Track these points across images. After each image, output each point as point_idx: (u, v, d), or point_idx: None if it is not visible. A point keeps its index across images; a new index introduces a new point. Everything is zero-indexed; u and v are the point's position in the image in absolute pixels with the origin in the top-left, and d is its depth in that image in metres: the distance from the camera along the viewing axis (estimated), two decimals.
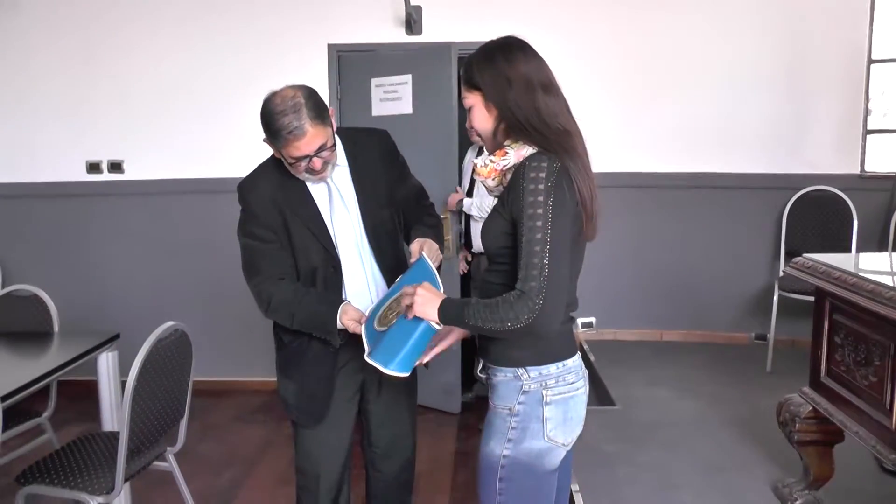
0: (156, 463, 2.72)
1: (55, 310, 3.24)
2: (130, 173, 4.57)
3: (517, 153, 1.63)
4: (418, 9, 4.45)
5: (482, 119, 1.68)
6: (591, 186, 1.60)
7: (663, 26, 4.46)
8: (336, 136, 2.09)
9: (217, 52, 4.53)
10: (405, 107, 4.21)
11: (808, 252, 4.16)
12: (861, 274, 2.22)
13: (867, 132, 4.45)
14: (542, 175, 1.54)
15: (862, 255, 3.58)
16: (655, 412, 3.60)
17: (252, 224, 2.11)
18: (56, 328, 3.22)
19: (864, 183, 4.41)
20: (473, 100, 1.68)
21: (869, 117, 4.46)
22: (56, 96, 4.54)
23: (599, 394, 3.87)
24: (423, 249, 2.04)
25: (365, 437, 2.37)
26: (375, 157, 2.19)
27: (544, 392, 1.65)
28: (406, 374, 1.70)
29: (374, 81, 4.29)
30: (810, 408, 2.51)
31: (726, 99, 4.49)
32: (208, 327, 4.24)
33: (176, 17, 4.51)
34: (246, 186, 2.14)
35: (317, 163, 1.98)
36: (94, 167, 4.56)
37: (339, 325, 2.01)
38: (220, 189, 4.55)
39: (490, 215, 1.68)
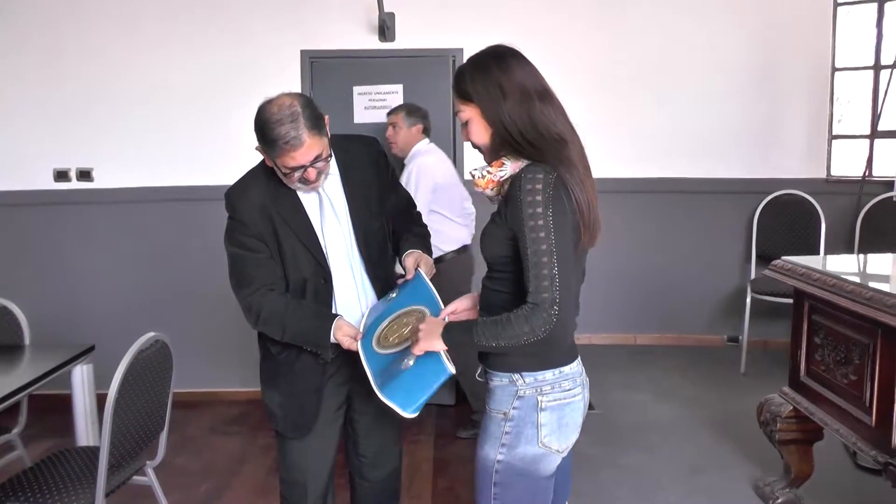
0: (135, 477, 2.67)
1: (26, 322, 3.16)
2: (100, 181, 4.47)
3: (513, 164, 1.62)
4: (391, 16, 4.44)
5: (480, 132, 1.65)
6: (588, 195, 1.59)
7: (639, 38, 4.53)
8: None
9: (188, 58, 4.47)
10: None
11: (778, 254, 4.27)
12: (841, 275, 2.27)
13: (832, 138, 4.57)
14: (539, 186, 1.54)
15: (836, 256, 3.67)
16: (635, 415, 3.64)
17: (240, 233, 2.04)
18: (27, 341, 3.13)
19: (830, 187, 4.53)
20: (470, 113, 1.65)
21: (834, 123, 4.58)
22: (21, 102, 4.43)
23: None
24: (420, 265, 2.01)
25: (351, 446, 2.34)
26: (366, 165, 2.15)
27: (539, 398, 1.65)
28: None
29: (357, 89, 4.30)
30: (791, 407, 2.55)
31: (699, 107, 4.58)
32: (181, 338, 4.15)
33: (147, 23, 4.44)
34: (234, 194, 2.07)
35: (311, 173, 1.94)
36: (62, 175, 4.44)
37: (331, 340, 1.99)
38: (192, 197, 4.51)
39: (489, 224, 1.67)
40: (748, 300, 4.25)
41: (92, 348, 3.02)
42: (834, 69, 4.52)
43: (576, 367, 1.71)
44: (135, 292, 4.56)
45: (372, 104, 4.30)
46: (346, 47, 4.44)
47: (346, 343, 1.96)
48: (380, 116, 4.25)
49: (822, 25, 4.48)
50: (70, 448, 2.76)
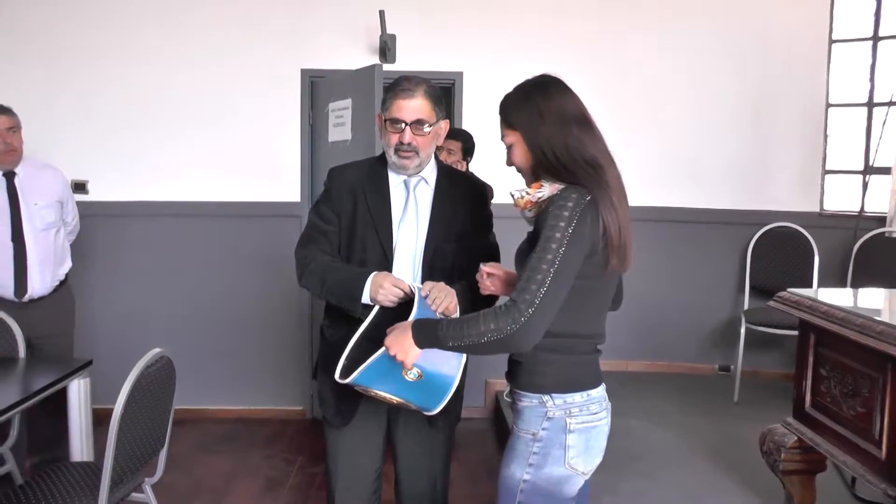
0: (132, 494, 2.62)
1: (21, 335, 3.10)
2: (95, 194, 4.43)
3: (551, 186, 1.68)
4: (393, 37, 4.46)
5: (522, 156, 1.73)
6: (620, 220, 1.64)
7: (636, 70, 4.59)
8: (436, 162, 2.25)
9: (187, 74, 4.46)
10: (347, 133, 4.11)
11: (771, 286, 4.32)
12: (849, 309, 2.29)
13: (825, 172, 4.64)
14: (570, 204, 1.60)
15: (842, 290, 3.72)
16: (629, 442, 3.63)
17: (325, 204, 2.22)
18: (21, 353, 3.07)
19: (824, 221, 4.59)
20: (513, 138, 1.74)
21: (827, 158, 4.66)
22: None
23: None
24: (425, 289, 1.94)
25: (396, 461, 2.36)
26: (463, 196, 2.24)
27: (568, 420, 1.69)
28: (461, 366, 1.82)
29: (330, 106, 4.26)
30: (795, 438, 2.56)
31: (696, 139, 4.64)
32: (170, 353, 4.14)
33: (146, 38, 4.43)
34: (336, 169, 2.28)
35: (407, 134, 2.08)
36: None
37: (366, 298, 2.00)
38: (187, 213, 4.49)
39: (524, 242, 1.73)
40: (742, 330, 4.28)
41: (90, 363, 2.97)
42: (828, 105, 4.60)
43: (602, 391, 1.76)
44: (127, 307, 4.52)
45: (338, 121, 4.17)
46: (347, 67, 4.45)
47: (382, 297, 1.95)
48: (340, 134, 4.14)
49: (818, 62, 4.57)
50: (65, 463, 2.70)
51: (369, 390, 1.85)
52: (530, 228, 1.75)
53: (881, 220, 4.35)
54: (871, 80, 4.50)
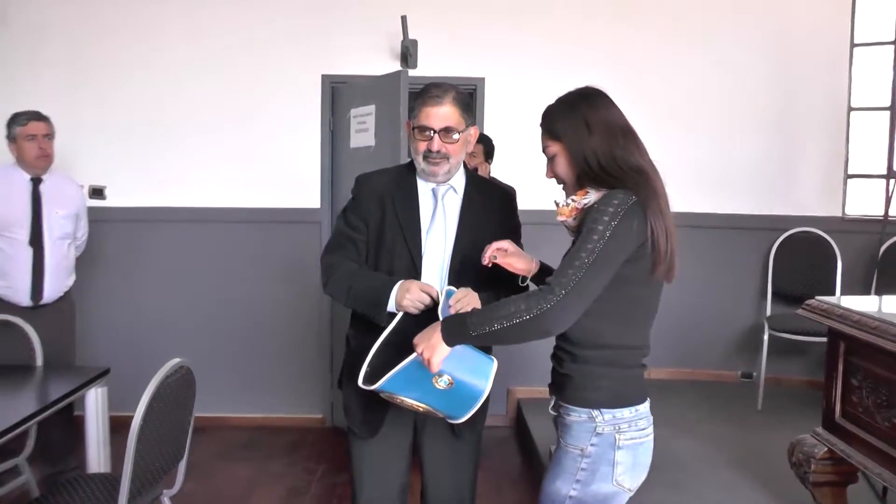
0: None
1: (38, 342, 3.09)
2: (113, 200, 4.44)
3: (597, 193, 1.67)
4: (414, 42, 4.44)
5: (564, 167, 1.72)
6: (666, 227, 1.64)
7: (657, 75, 4.54)
8: (465, 170, 2.22)
9: (208, 79, 4.46)
10: (370, 139, 4.09)
11: (793, 292, 4.25)
12: (883, 317, 2.24)
13: (848, 177, 4.57)
14: (615, 202, 1.60)
15: (872, 297, 3.64)
16: (655, 452, 3.56)
17: (352, 211, 2.20)
18: (39, 361, 3.06)
19: (846, 225, 4.52)
20: (556, 149, 1.73)
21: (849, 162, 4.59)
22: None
23: None
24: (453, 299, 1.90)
25: (421, 468, 2.32)
26: (492, 205, 2.22)
27: (617, 436, 1.67)
28: (491, 376, 1.76)
29: (353, 112, 4.25)
30: (825, 448, 2.50)
31: (717, 144, 4.58)
32: (189, 361, 4.12)
33: (168, 42, 4.44)
34: (364, 177, 2.25)
35: (436, 141, 2.06)
36: None
37: (391, 306, 1.97)
38: (206, 219, 4.47)
39: (568, 250, 1.70)
40: (765, 337, 4.21)
41: (107, 371, 2.95)
42: (850, 109, 4.54)
43: (647, 406, 1.74)
44: (146, 313, 4.52)
45: (360, 127, 4.16)
46: (368, 73, 4.42)
47: (413, 293, 1.93)
48: (363, 140, 4.13)
49: (839, 66, 4.51)
50: (82, 475, 2.68)
51: (395, 397, 1.82)
52: (570, 238, 1.73)
53: None
54: (894, 83, 4.43)
